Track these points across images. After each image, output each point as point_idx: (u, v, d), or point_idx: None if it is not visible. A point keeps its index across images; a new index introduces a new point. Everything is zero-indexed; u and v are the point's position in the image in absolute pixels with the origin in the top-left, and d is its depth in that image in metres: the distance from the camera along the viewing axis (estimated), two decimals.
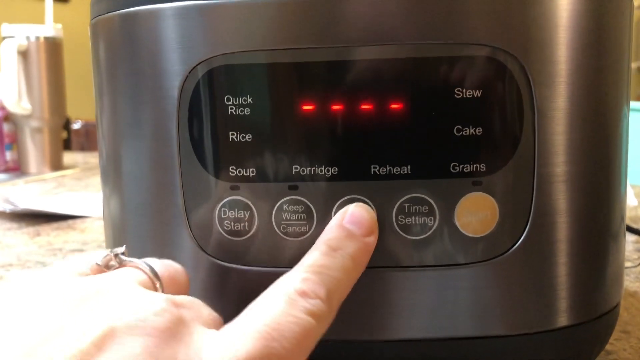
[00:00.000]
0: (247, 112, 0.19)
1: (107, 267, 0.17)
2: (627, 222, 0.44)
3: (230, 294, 0.20)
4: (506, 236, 0.19)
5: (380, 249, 0.19)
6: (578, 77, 0.19)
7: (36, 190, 0.77)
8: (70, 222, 0.59)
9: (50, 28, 0.87)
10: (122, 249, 0.17)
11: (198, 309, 0.16)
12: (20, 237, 0.52)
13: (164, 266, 0.17)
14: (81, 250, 0.48)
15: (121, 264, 0.17)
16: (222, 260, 0.20)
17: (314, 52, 0.18)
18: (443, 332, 0.20)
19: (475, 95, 0.18)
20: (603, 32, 0.20)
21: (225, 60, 0.19)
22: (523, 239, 0.19)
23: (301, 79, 0.19)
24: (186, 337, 0.14)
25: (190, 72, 0.19)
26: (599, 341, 0.23)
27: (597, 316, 0.21)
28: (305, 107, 0.19)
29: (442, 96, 0.18)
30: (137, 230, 0.21)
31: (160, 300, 0.15)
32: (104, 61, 0.22)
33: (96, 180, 0.89)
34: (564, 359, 0.21)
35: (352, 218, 0.18)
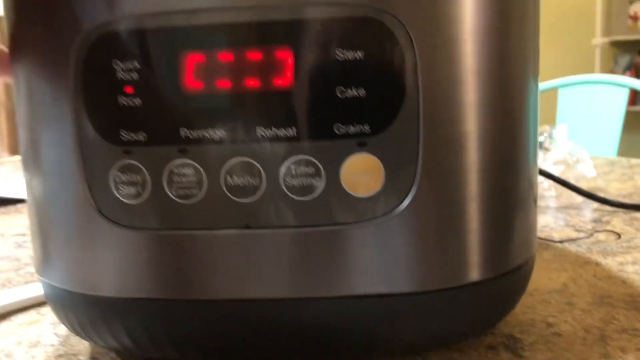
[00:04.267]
0: (134, 77, 0.19)
1: None
2: (589, 190, 0.44)
3: (129, 257, 0.20)
4: (393, 196, 0.20)
5: (270, 210, 0.20)
6: (473, 39, 0.19)
7: None
8: (19, 206, 0.58)
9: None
10: None
11: None
12: None
13: None
14: (24, 235, 0.47)
15: None
16: (120, 224, 0.20)
17: (196, 15, 0.18)
18: (346, 290, 0.20)
19: (357, 57, 0.19)
20: None
21: (111, 26, 0.19)
22: (410, 198, 0.20)
23: (184, 44, 0.19)
24: None
25: (81, 38, 0.19)
26: (508, 298, 0.23)
27: (505, 272, 0.22)
28: (191, 72, 0.19)
29: (323, 57, 0.19)
30: (55, 207, 0.21)
31: None
32: (13, 36, 0.21)
33: None
34: (474, 316, 0.22)
35: None
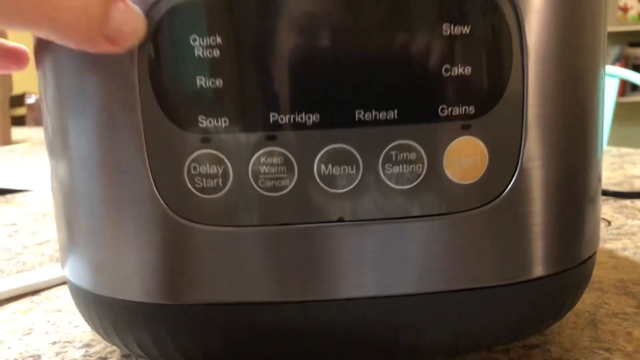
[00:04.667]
0: (216, 54, 0.17)
1: None
2: None
3: (204, 257, 0.19)
4: (496, 182, 0.18)
5: (367, 201, 0.18)
6: (559, 12, 0.18)
7: None
8: (8, 196, 0.56)
9: None
10: None
11: None
12: None
13: None
14: (14, 225, 0.45)
15: None
16: (193, 221, 0.18)
17: None
18: (431, 287, 0.19)
19: (464, 32, 0.17)
20: None
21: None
22: (512, 185, 0.19)
23: (276, 16, 0.17)
24: None
25: (150, 11, 0.17)
26: (575, 291, 0.23)
27: (574, 265, 0.21)
28: (282, 48, 0.17)
29: (429, 33, 0.17)
30: (91, 195, 0.19)
31: None
32: None
33: (46, 154, 0.84)
34: (540, 310, 0.21)
35: None
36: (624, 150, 0.69)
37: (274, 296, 0.19)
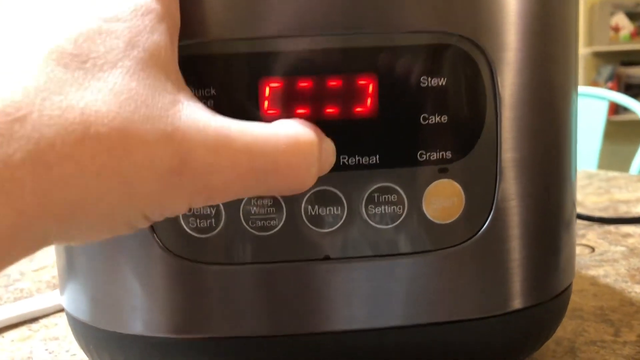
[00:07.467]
0: (210, 104, 0.18)
1: None
2: None
3: (199, 293, 0.20)
4: (472, 221, 0.19)
5: (351, 240, 0.19)
6: (529, 63, 0.19)
7: None
8: None
9: None
10: None
11: None
12: None
13: None
14: (22, 274, 0.46)
15: None
16: (188, 259, 0.19)
17: (274, 41, 0.18)
18: (416, 319, 0.20)
19: (440, 84, 0.18)
20: (550, 18, 0.20)
21: (184, 51, 0.18)
22: (488, 224, 0.20)
23: (263, 70, 0.18)
24: None
25: None
26: (552, 322, 0.23)
27: (551, 297, 0.22)
28: (269, 99, 0.18)
29: (408, 85, 0.18)
30: (109, 244, 0.20)
31: None
32: None
33: None
34: (519, 340, 0.22)
35: None
36: (611, 174, 0.70)
37: (267, 330, 0.19)
